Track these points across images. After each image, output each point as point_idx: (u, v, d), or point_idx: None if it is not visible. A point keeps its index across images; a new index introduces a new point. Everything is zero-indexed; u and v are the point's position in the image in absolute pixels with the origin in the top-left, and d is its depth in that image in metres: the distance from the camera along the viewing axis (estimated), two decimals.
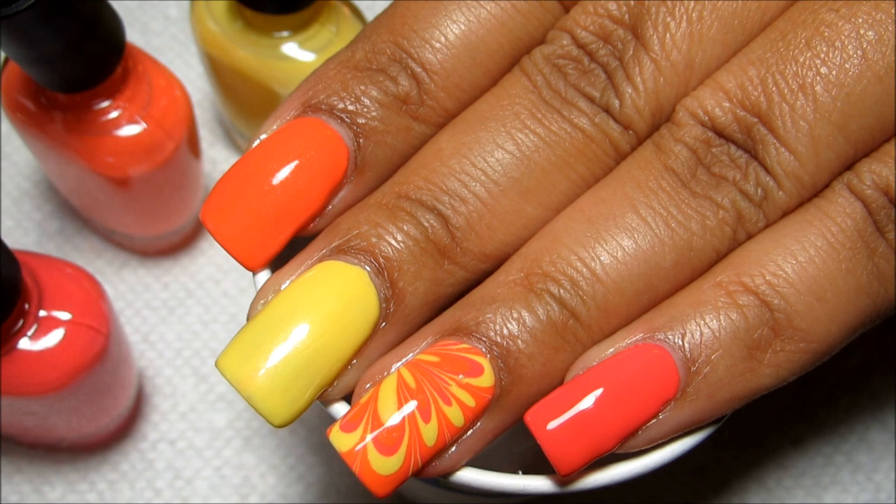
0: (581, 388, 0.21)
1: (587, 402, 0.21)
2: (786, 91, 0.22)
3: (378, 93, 0.23)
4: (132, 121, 0.33)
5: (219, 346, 0.40)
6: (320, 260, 0.23)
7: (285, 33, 0.36)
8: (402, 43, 0.23)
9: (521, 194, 0.23)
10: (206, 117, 0.44)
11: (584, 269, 0.22)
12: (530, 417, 0.21)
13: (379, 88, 0.23)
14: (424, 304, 0.23)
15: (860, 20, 0.22)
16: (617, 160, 0.23)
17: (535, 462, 0.29)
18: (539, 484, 0.23)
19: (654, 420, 0.22)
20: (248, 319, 0.23)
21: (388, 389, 0.22)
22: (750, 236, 0.22)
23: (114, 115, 0.33)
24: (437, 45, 0.23)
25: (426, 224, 0.22)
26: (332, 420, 0.23)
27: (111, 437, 0.38)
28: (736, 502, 0.40)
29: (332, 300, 0.22)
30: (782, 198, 0.22)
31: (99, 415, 0.35)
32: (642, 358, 0.22)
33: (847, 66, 0.22)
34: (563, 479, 0.23)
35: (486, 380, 0.22)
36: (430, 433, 0.21)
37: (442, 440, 0.22)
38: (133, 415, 0.39)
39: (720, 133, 0.22)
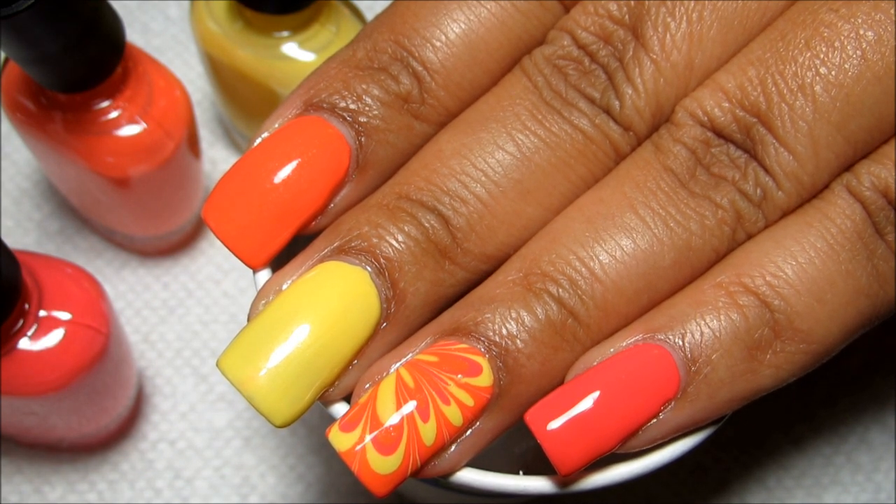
0: (581, 388, 0.21)
1: (588, 402, 0.21)
2: (785, 91, 0.22)
3: (380, 91, 0.23)
4: (132, 121, 0.33)
5: (219, 346, 0.40)
6: (321, 260, 0.23)
7: (285, 33, 0.36)
8: (403, 42, 0.23)
9: (522, 195, 0.23)
10: (206, 117, 0.44)
11: (583, 269, 0.22)
12: (531, 417, 0.21)
13: (380, 87, 0.23)
14: (425, 305, 0.23)
15: (859, 20, 0.22)
16: (617, 161, 0.23)
17: (536, 462, 0.29)
18: (539, 484, 0.23)
19: (655, 420, 0.22)
20: (248, 320, 0.23)
21: (386, 389, 0.22)
22: (749, 236, 0.22)
23: (114, 115, 0.33)
24: (438, 43, 0.23)
25: (427, 225, 0.22)
26: (332, 420, 0.23)
27: (111, 437, 0.38)
28: (736, 502, 0.40)
29: (333, 301, 0.22)
30: (781, 198, 0.22)
31: (99, 415, 0.35)
32: (642, 358, 0.22)
33: (846, 66, 0.22)
34: (564, 480, 0.23)
35: (485, 379, 0.22)
36: (428, 433, 0.21)
37: (441, 440, 0.22)
38: (133, 415, 0.39)
39: (719, 133, 0.22)
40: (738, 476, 0.40)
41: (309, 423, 0.40)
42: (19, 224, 0.42)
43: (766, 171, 0.22)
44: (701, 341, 0.22)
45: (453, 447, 0.22)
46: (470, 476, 0.23)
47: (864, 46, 0.22)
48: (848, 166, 0.22)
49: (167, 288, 0.41)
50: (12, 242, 0.41)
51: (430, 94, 0.23)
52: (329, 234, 0.23)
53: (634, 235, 0.22)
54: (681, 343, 0.22)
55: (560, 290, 0.22)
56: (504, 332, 0.22)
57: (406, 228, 0.22)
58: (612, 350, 0.22)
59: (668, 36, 0.22)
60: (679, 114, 0.22)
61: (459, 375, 0.21)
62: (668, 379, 0.22)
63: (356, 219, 0.23)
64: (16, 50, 0.29)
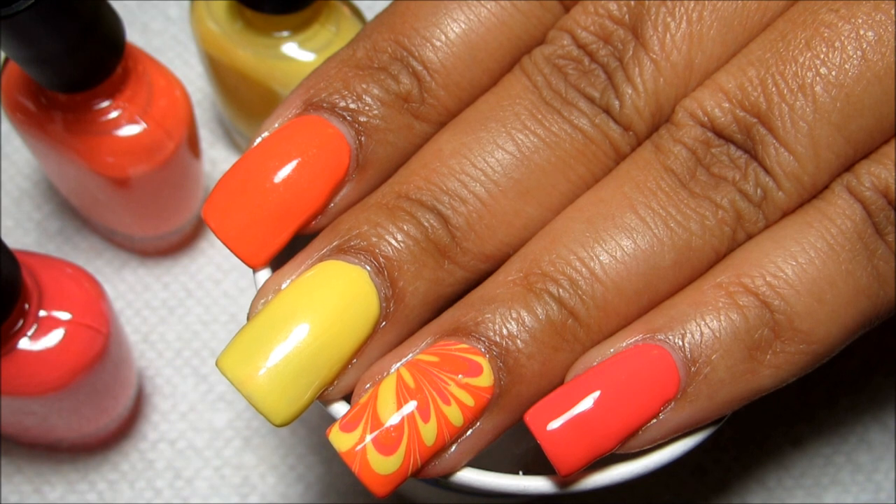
0: (581, 388, 0.21)
1: (587, 402, 0.21)
2: (785, 91, 0.22)
3: (380, 91, 0.23)
4: (132, 121, 0.33)
5: (219, 346, 0.40)
6: (320, 259, 0.23)
7: (285, 33, 0.36)
8: (403, 41, 0.23)
9: (521, 195, 0.23)
10: (206, 117, 0.44)
11: (584, 269, 0.22)
12: (530, 418, 0.21)
13: (380, 87, 0.23)
14: (424, 304, 0.23)
15: (860, 21, 0.22)
16: (617, 161, 0.23)
17: (536, 462, 0.29)
18: (539, 484, 0.23)
19: (655, 420, 0.22)
20: (248, 319, 0.23)
21: (387, 389, 0.22)
22: (749, 236, 0.22)
23: (114, 115, 0.33)
24: (438, 43, 0.23)
25: (426, 224, 0.22)
26: (332, 420, 0.23)
27: (111, 437, 0.38)
28: (736, 502, 0.40)
29: (332, 300, 0.22)
30: (782, 198, 0.22)
31: (99, 415, 0.35)
32: (642, 358, 0.22)
33: (847, 66, 0.22)
34: (564, 480, 0.23)
35: (486, 379, 0.22)
36: (429, 433, 0.21)
37: (441, 440, 0.22)
38: (133, 415, 0.39)
39: (719, 133, 0.22)
40: (738, 476, 0.40)
41: (309, 423, 0.40)
42: (19, 224, 0.42)
43: (767, 171, 0.22)
44: (701, 342, 0.22)
45: (454, 447, 0.22)
46: (470, 476, 0.23)
47: (864, 46, 0.22)
48: (848, 166, 0.22)
49: (167, 288, 0.41)
50: (12, 242, 0.41)
51: (430, 93, 0.23)
52: (328, 234, 0.23)
53: (634, 236, 0.22)
54: (681, 343, 0.22)
55: (560, 290, 0.22)
56: (504, 332, 0.22)
57: (405, 227, 0.22)
58: (612, 350, 0.22)
59: (668, 36, 0.22)
60: (679, 114, 0.22)
61: (460, 375, 0.21)
62: (667, 379, 0.22)
63: (356, 218, 0.23)
64: (16, 50, 0.29)
